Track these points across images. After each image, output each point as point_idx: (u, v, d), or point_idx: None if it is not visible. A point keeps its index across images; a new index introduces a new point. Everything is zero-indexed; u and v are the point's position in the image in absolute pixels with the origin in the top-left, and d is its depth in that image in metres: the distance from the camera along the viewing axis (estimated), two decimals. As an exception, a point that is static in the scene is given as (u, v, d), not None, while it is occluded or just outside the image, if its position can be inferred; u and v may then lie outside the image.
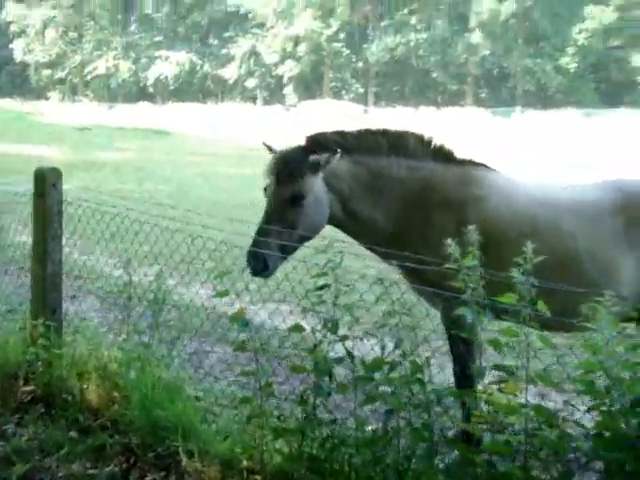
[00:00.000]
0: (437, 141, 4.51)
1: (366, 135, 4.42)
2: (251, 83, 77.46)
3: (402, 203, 4.35)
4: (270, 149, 4.44)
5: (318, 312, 3.86)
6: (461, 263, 3.45)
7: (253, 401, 4.11)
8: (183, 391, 4.85)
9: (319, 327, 3.94)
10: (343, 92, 75.31)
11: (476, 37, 70.72)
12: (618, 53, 73.46)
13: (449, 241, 3.46)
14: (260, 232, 4.19)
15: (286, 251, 4.23)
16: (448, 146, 4.54)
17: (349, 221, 4.37)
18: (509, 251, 3.96)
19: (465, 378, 4.19)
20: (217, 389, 5.61)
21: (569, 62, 71.08)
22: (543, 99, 70.61)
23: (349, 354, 3.84)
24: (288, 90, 75.12)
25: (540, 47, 72.08)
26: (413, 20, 73.42)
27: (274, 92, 76.38)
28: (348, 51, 75.31)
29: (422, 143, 4.47)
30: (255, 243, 4.18)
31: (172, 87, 78.49)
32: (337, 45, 74.94)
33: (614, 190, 4.31)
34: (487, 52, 71.76)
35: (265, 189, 4.35)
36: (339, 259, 3.81)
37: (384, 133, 4.45)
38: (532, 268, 3.37)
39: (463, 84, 76.02)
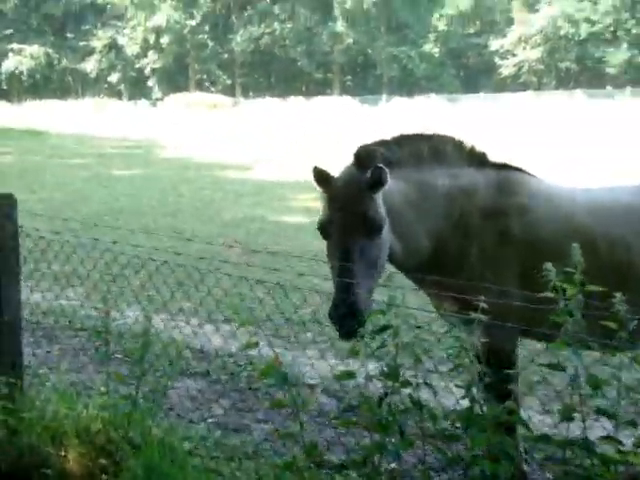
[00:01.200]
0: (469, 143, 4.00)
1: (407, 142, 3.86)
2: (114, 77, 74.85)
3: (443, 219, 3.82)
4: (322, 175, 3.67)
5: (380, 357, 3.27)
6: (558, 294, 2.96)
7: (293, 467, 3.46)
8: (181, 449, 4.16)
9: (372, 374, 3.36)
10: (209, 84, 74.03)
11: (340, 26, 71.14)
12: (476, 39, 75.91)
13: (548, 265, 2.98)
14: (344, 285, 3.32)
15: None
16: (479, 148, 4.03)
17: (395, 246, 3.77)
18: (558, 264, 3.66)
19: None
20: (204, 436, 4.90)
21: (431, 48, 72.76)
22: (408, 86, 71.90)
23: (416, 403, 3.27)
24: (152, 83, 73.11)
25: (403, 34, 73.30)
26: (276, 9, 73.05)
27: (138, 86, 74.09)
28: (213, 42, 74.02)
29: (458, 147, 3.96)
30: (344, 300, 3.31)
31: (28, 83, 74.62)
32: (201, 36, 73.51)
33: None
34: (351, 41, 72.34)
35: (324, 224, 3.53)
36: (400, 294, 3.24)
37: (423, 137, 3.89)
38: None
39: (329, 73, 76.42)
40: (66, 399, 4.27)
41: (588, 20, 69.85)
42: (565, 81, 74.41)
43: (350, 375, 3.44)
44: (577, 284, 3.01)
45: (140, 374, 4.15)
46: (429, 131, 3.98)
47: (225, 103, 55.24)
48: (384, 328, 3.22)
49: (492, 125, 33.98)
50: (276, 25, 71.73)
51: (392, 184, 3.55)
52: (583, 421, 2.95)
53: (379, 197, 3.51)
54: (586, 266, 3.25)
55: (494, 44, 74.27)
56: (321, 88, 72.23)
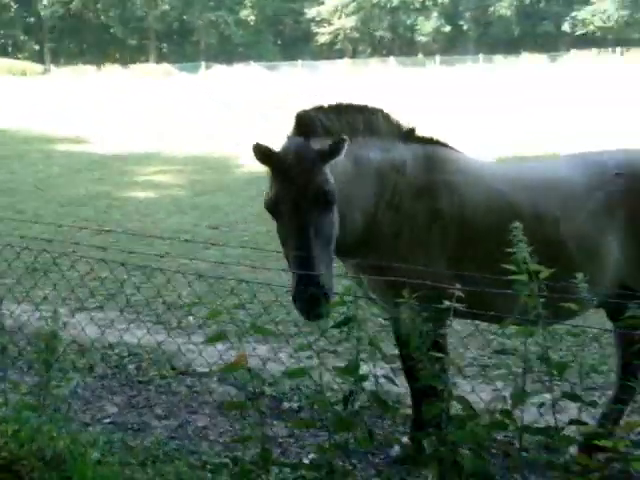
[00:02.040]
0: (396, 116, 3.83)
1: (344, 111, 3.60)
2: None
3: (376, 196, 3.64)
4: (264, 151, 3.34)
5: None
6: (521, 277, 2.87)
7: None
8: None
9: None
10: (14, 50, 69.54)
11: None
12: (293, 5, 76.11)
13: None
14: (306, 261, 3.11)
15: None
16: (406, 122, 3.88)
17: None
18: (489, 243, 3.66)
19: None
20: (109, 440, 4.48)
21: (248, 15, 72.15)
22: (227, 53, 71.02)
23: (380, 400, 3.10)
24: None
25: (219, 0, 72.17)
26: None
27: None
28: (17, 5, 69.42)
29: (387, 119, 3.77)
30: (310, 281, 3.09)
31: None
32: (4, -1, 68.81)
33: (593, 165, 3.96)
34: (167, 6, 70.35)
35: (274, 203, 3.28)
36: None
37: (356, 108, 3.66)
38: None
39: (145, 39, 74.01)
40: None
41: (399, -12, 71.96)
42: (379, 49, 76.44)
43: (302, 372, 3.20)
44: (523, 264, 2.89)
45: (46, 381, 3.70)
46: (360, 102, 3.78)
47: (35, 69, 52.10)
48: (347, 320, 3.00)
49: (312, 93, 34.25)
50: (86, -11, 68.37)
51: None
52: (553, 406, 2.87)
53: (328, 168, 3.28)
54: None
55: (310, 12, 74.85)
56: (136, 55, 69.79)
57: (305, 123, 3.41)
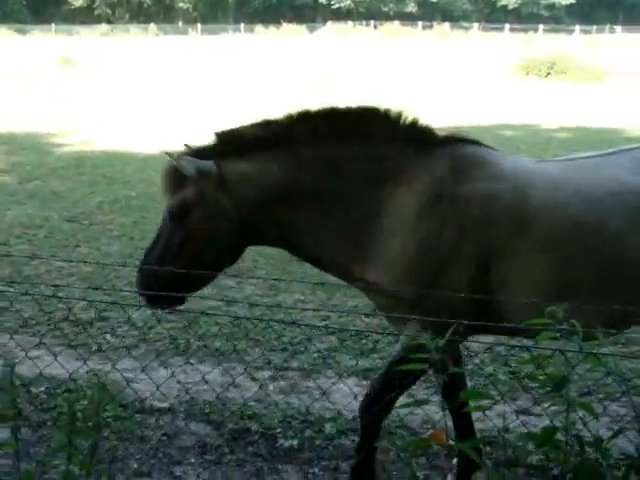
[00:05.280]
0: (409, 116, 3.29)
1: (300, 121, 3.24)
2: None
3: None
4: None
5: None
6: None
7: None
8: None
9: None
10: None
11: None
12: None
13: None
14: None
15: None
16: (422, 122, 3.33)
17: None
18: (535, 263, 3.20)
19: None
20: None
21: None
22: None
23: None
24: None
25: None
26: None
27: None
28: None
29: (388, 120, 3.28)
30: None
31: None
32: None
33: None
34: None
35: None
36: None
37: (330, 115, 3.26)
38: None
39: None
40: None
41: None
42: (138, 15, 73.85)
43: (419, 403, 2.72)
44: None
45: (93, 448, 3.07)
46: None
47: None
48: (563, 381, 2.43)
49: (69, 55, 32.28)
50: None
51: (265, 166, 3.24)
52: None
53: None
54: (574, 259, 3.12)
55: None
56: None
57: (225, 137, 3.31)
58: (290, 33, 58.12)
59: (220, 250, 3.28)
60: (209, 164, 3.19)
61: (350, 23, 64.88)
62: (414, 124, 3.29)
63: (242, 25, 65.05)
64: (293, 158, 3.22)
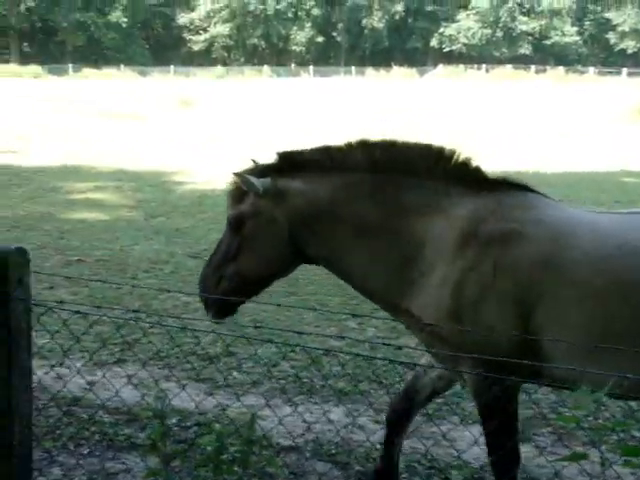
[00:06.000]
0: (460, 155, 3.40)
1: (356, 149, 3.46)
2: None
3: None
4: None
5: None
6: None
7: None
8: None
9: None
10: None
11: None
12: (164, 11, 74.62)
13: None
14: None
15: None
16: (473, 161, 3.42)
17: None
18: (574, 311, 3.13)
19: (502, 463, 3.32)
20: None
21: (119, 17, 70.03)
22: (95, 55, 68.63)
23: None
24: None
25: (87, 1, 69.55)
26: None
27: None
28: None
29: (436, 159, 3.38)
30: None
31: None
32: None
33: None
34: (32, 4, 67.19)
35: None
36: None
37: (387, 146, 3.44)
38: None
39: (5, 37, 70.29)
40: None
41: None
42: (252, 57, 76.12)
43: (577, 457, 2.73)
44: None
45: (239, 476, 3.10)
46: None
47: None
48: None
49: (188, 96, 33.70)
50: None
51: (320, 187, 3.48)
52: None
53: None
54: (617, 312, 3.04)
55: (182, 19, 73.86)
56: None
57: (287, 157, 3.56)
58: (400, 76, 58.60)
59: (271, 258, 3.55)
60: (266, 181, 3.46)
61: (461, 66, 64.87)
62: (466, 164, 3.41)
63: (353, 68, 66.06)
64: (344, 180, 3.43)
